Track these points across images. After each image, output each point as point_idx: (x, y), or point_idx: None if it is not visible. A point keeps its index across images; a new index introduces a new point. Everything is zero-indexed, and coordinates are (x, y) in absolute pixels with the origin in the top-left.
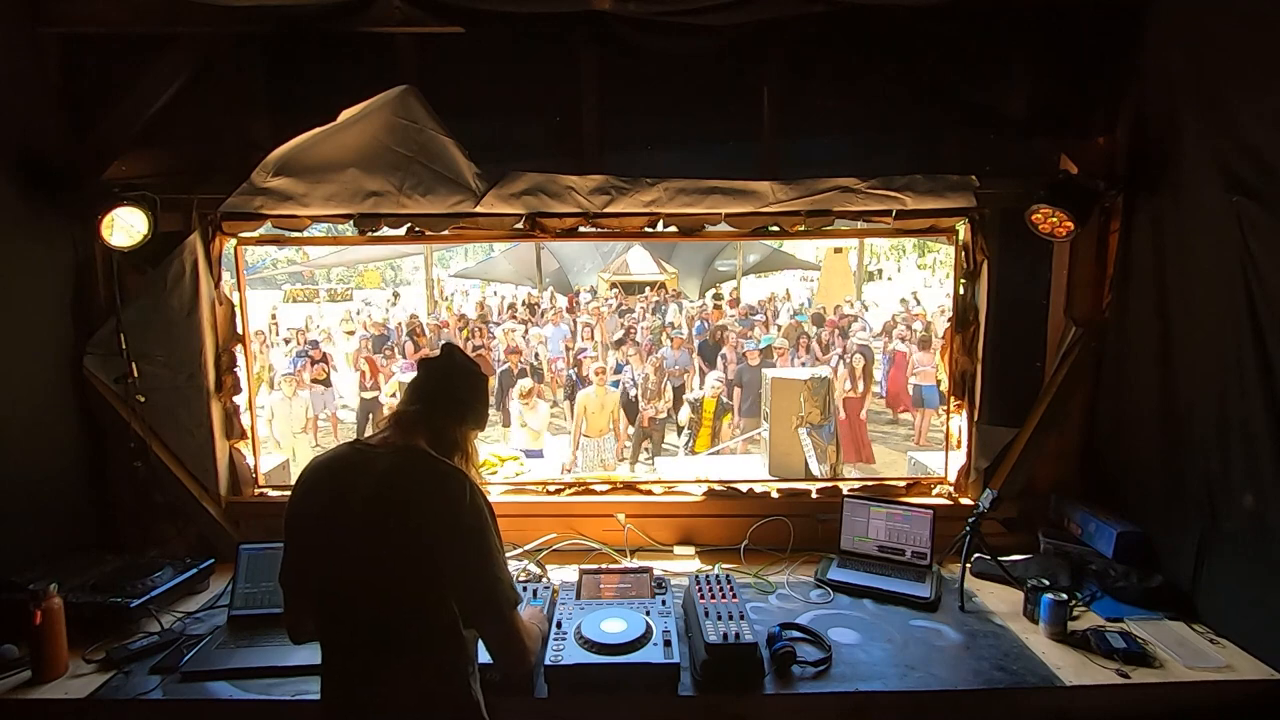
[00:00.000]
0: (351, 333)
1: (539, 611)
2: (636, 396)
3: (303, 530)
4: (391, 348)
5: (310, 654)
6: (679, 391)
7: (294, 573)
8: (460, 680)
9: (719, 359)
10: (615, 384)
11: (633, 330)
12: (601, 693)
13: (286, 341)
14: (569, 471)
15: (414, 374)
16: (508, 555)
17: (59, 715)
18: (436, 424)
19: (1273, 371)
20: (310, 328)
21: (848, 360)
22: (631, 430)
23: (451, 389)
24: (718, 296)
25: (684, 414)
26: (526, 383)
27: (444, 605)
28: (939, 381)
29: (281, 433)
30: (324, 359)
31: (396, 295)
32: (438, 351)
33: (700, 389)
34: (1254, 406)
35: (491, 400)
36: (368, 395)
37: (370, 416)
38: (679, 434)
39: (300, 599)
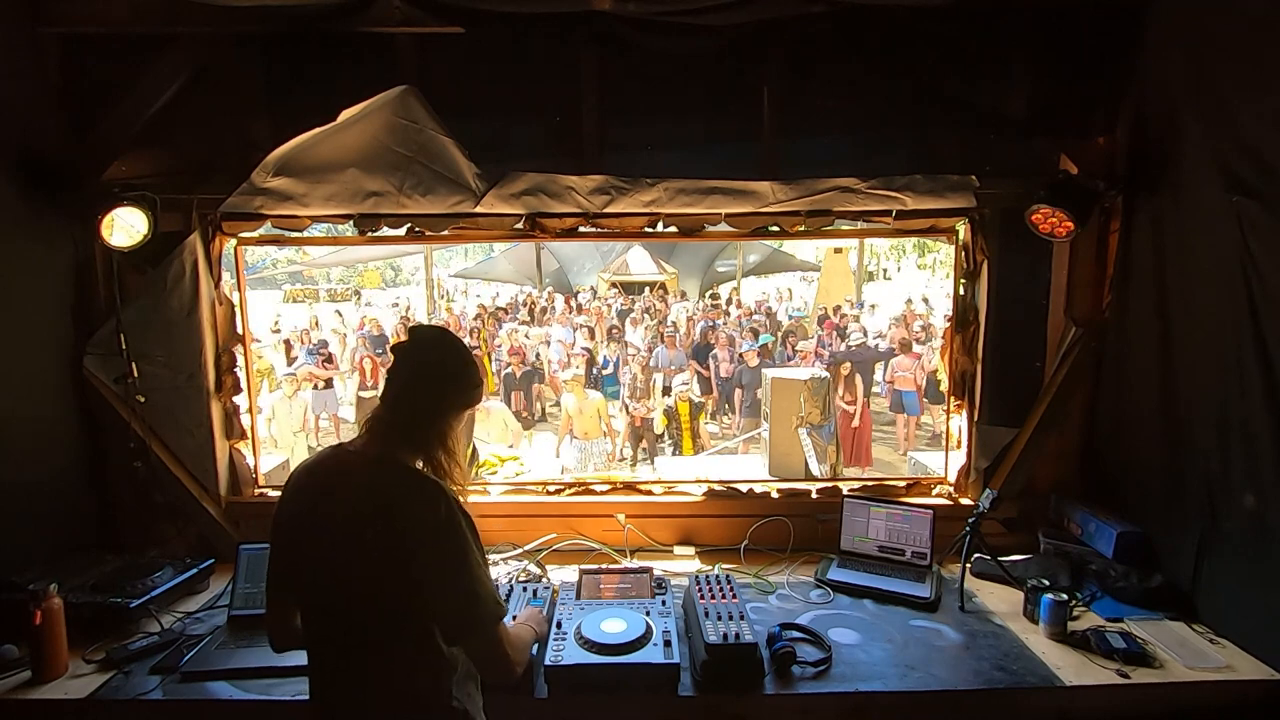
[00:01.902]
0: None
1: (539, 612)
2: (625, 396)
3: (286, 535)
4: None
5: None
6: (669, 390)
7: (278, 576)
8: (440, 689)
9: (710, 359)
10: (611, 379)
11: (617, 330)
12: (601, 693)
13: (289, 345)
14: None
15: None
16: (508, 555)
17: (59, 715)
18: (412, 421)
19: (1273, 371)
20: (315, 326)
21: (836, 365)
22: (619, 427)
23: (421, 375)
24: (715, 296)
25: (657, 421)
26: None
27: (418, 615)
28: (937, 382)
29: (280, 432)
30: (330, 359)
31: (358, 294)
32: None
33: (668, 396)
34: (1254, 406)
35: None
36: (366, 395)
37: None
38: (661, 440)
39: (282, 603)
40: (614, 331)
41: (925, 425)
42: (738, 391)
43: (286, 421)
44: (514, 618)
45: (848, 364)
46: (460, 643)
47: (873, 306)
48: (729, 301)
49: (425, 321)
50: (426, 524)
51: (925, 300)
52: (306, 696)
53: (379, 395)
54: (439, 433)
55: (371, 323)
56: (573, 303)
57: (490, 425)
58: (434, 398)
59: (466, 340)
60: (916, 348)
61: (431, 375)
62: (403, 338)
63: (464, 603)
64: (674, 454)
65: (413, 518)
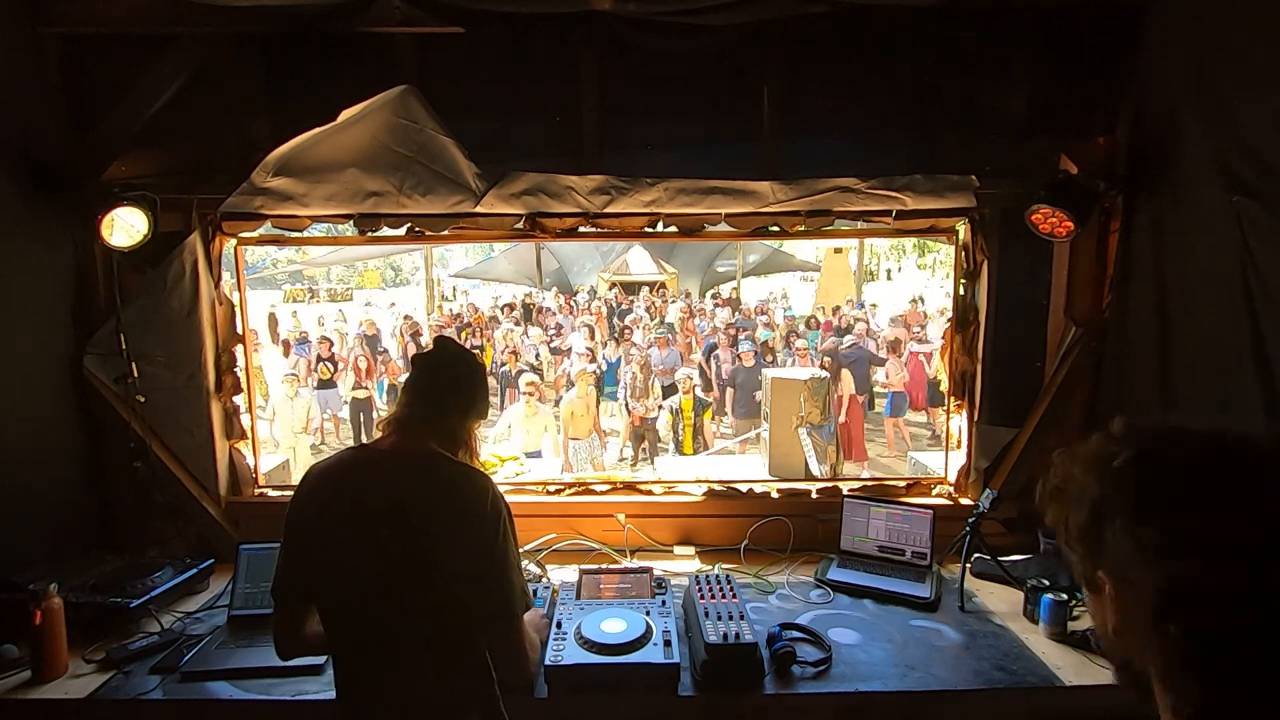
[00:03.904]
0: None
1: (539, 615)
2: (626, 396)
3: (313, 536)
4: (386, 349)
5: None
6: (671, 390)
7: (298, 580)
8: (487, 677)
9: (712, 359)
10: (610, 378)
11: (628, 331)
12: (601, 693)
13: (288, 344)
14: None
15: (410, 372)
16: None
17: (59, 715)
18: (442, 423)
19: (1271, 371)
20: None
21: (830, 363)
22: (613, 427)
23: (451, 384)
24: (715, 295)
25: (663, 419)
26: (532, 377)
27: (468, 607)
28: (937, 383)
29: (282, 433)
30: (331, 358)
31: (311, 292)
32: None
33: (673, 395)
34: (1253, 406)
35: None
36: (360, 395)
37: (362, 417)
38: (661, 441)
39: (296, 607)
40: (625, 333)
41: (918, 424)
42: (729, 391)
43: (289, 421)
44: None
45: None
46: (486, 630)
47: (874, 305)
48: (729, 301)
49: (427, 321)
50: (474, 514)
51: (920, 299)
52: (307, 696)
53: (371, 397)
54: (466, 435)
55: (367, 324)
56: (573, 302)
57: (532, 425)
58: (464, 406)
59: (468, 340)
60: (914, 347)
61: (463, 387)
62: (411, 346)
63: (499, 591)
64: (675, 451)
65: (460, 511)
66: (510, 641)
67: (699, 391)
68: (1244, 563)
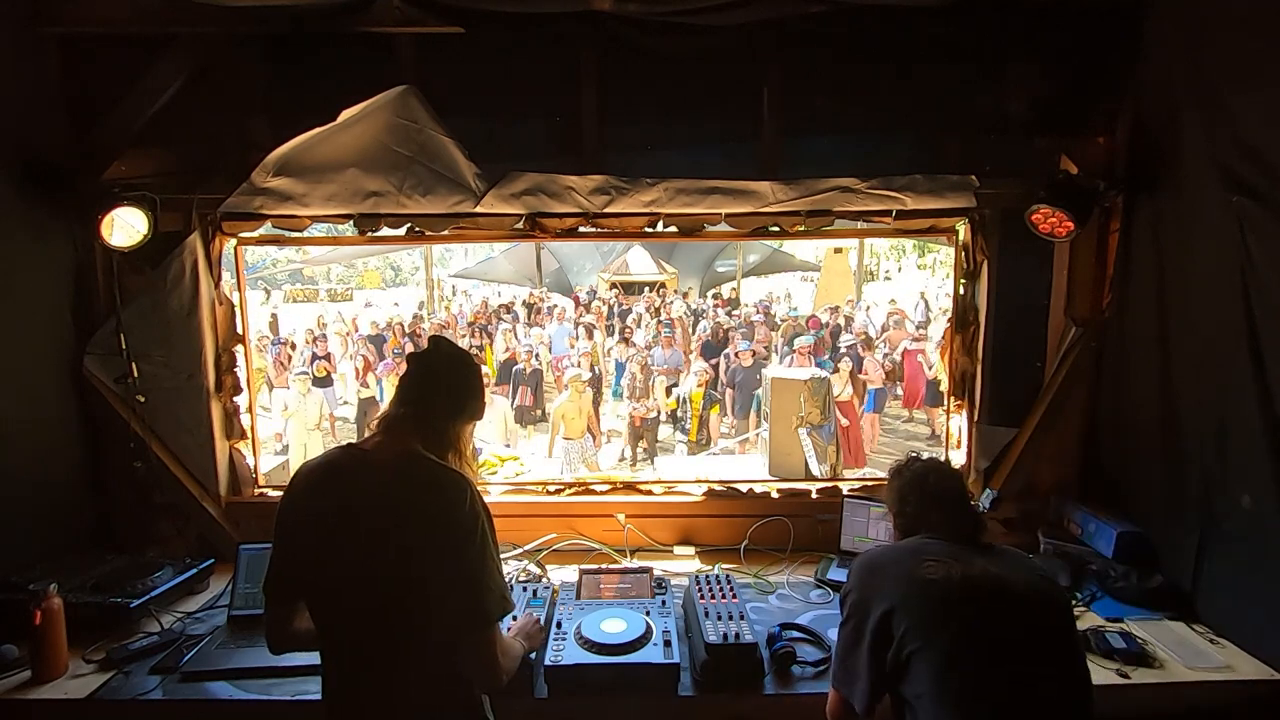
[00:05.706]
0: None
1: (535, 625)
2: (621, 391)
3: (299, 536)
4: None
5: (309, 655)
6: (672, 390)
7: (286, 578)
8: (467, 684)
9: (722, 358)
10: (617, 380)
11: (629, 331)
12: (601, 693)
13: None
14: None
15: (403, 371)
16: (506, 556)
17: (59, 715)
18: (430, 423)
19: (1266, 370)
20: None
21: (835, 363)
22: (618, 428)
23: (442, 384)
24: (717, 296)
25: (664, 403)
26: (576, 372)
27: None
28: (936, 383)
29: (295, 430)
30: (327, 357)
31: (266, 292)
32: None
33: (686, 384)
34: (1250, 406)
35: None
36: (364, 394)
37: (366, 416)
38: (671, 419)
39: (285, 604)
40: (626, 333)
41: (920, 422)
42: (729, 393)
43: (300, 420)
44: (514, 619)
45: (847, 360)
46: (456, 635)
47: (874, 304)
48: (730, 301)
49: (425, 320)
50: (449, 517)
51: (923, 296)
52: (307, 696)
53: (374, 396)
54: (455, 437)
55: (372, 325)
56: (579, 299)
57: (491, 415)
58: (454, 407)
59: (467, 340)
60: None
61: (454, 388)
62: (409, 345)
63: (472, 595)
64: (683, 438)
65: (436, 513)
66: (481, 647)
67: (710, 388)
68: (905, 496)
